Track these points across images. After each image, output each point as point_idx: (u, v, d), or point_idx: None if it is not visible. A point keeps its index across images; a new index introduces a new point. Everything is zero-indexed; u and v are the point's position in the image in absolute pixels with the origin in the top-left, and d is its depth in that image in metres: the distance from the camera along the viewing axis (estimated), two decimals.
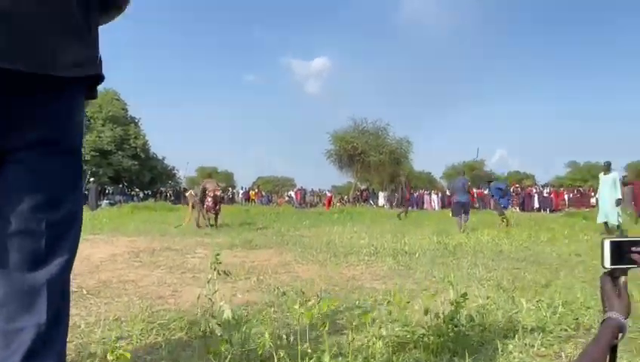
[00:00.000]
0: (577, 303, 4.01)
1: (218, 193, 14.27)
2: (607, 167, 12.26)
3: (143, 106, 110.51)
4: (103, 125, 37.93)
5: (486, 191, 14.92)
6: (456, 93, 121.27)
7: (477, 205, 26.79)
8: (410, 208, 21.37)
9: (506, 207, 14.66)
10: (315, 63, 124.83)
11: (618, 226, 11.77)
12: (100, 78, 1.33)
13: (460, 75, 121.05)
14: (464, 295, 2.84)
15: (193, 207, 15.09)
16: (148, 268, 6.48)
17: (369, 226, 15.75)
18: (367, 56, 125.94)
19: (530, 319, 3.23)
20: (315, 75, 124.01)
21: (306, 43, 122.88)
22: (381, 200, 41.81)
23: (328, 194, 36.18)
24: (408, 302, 2.89)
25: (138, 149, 38.90)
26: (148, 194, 42.28)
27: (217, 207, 14.19)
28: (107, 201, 34.43)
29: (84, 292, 4.78)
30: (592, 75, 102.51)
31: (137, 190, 42.96)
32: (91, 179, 27.47)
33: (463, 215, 13.26)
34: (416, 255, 7.54)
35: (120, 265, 6.67)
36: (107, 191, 39.67)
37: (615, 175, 12.11)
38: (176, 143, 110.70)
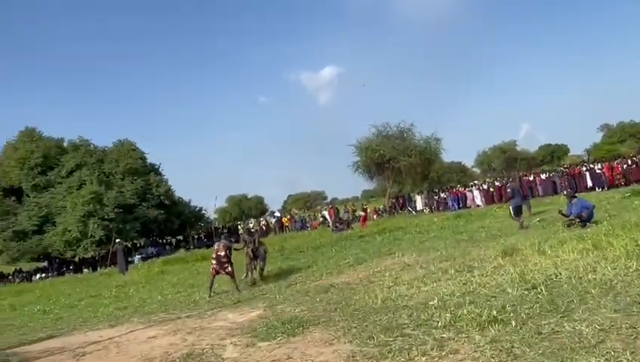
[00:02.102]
0: None
1: (221, 253, 12.70)
2: None
3: (160, 152, 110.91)
4: (122, 179, 36.90)
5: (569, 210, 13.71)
6: (470, 76, 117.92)
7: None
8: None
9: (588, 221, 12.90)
10: (324, 73, 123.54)
11: None
12: None
13: (469, 58, 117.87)
14: None
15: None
16: None
17: (419, 251, 13.84)
18: (374, 56, 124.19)
19: None
20: (326, 85, 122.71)
21: (311, 54, 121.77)
22: (419, 205, 39.60)
23: (362, 214, 34.06)
24: None
25: (162, 197, 37.68)
26: (180, 240, 41.11)
27: (227, 268, 12.60)
28: (139, 256, 33.35)
29: None
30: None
31: (169, 238, 41.84)
32: (117, 240, 26.28)
33: (519, 216, 15.47)
34: (512, 323, 5.61)
35: None
36: (138, 245, 38.66)
37: None
38: (203, 181, 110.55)
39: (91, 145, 39.74)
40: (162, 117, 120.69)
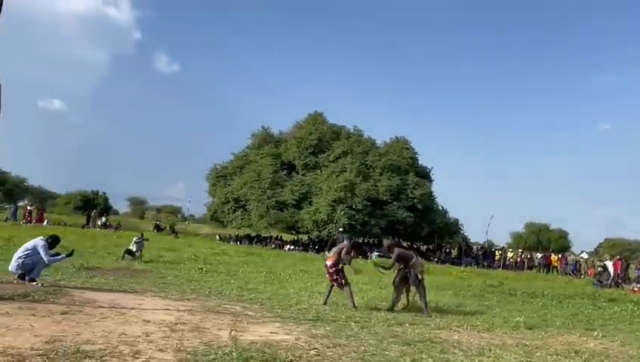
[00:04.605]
0: None
1: (328, 262, 10.21)
2: None
3: (460, 162, 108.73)
4: (380, 174, 36.66)
5: None
6: None
7: None
8: None
9: None
10: None
11: None
12: None
13: None
14: None
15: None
16: None
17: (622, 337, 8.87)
18: None
19: None
20: None
21: None
22: None
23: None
24: None
25: (415, 200, 36.08)
26: (431, 248, 38.98)
27: (336, 279, 10.07)
28: (377, 253, 32.62)
29: None
30: None
31: (420, 244, 40.09)
32: (340, 229, 25.93)
33: None
34: None
35: None
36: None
37: None
38: (496, 199, 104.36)
39: (363, 136, 40.80)
40: (479, 128, 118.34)
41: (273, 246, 36.88)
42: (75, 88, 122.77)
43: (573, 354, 7.10)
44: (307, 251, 34.49)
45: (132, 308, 7.54)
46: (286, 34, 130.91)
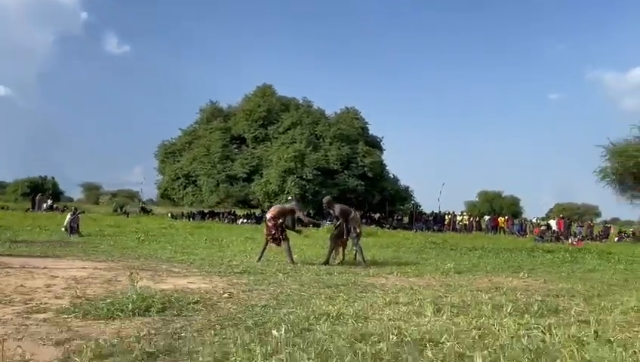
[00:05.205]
0: None
1: (268, 215, 10.62)
2: None
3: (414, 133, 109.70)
4: (330, 144, 36.64)
5: None
6: None
7: None
8: None
9: None
10: (633, 75, 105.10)
11: None
12: None
13: None
14: None
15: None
16: None
17: (554, 277, 9.19)
18: None
19: None
20: (633, 88, 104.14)
21: (620, 51, 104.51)
22: None
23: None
24: None
25: (366, 168, 36.27)
26: (383, 216, 39.46)
27: (274, 235, 10.19)
28: (330, 222, 32.80)
29: None
30: None
31: (373, 213, 40.46)
32: (289, 198, 25.89)
33: None
34: None
35: None
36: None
37: None
38: (450, 170, 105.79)
39: (312, 107, 40.52)
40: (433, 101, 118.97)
41: (226, 221, 36.51)
42: (20, 73, 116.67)
43: (493, 290, 7.26)
44: (260, 224, 34.33)
45: (44, 268, 7.27)
46: (236, 7, 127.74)
